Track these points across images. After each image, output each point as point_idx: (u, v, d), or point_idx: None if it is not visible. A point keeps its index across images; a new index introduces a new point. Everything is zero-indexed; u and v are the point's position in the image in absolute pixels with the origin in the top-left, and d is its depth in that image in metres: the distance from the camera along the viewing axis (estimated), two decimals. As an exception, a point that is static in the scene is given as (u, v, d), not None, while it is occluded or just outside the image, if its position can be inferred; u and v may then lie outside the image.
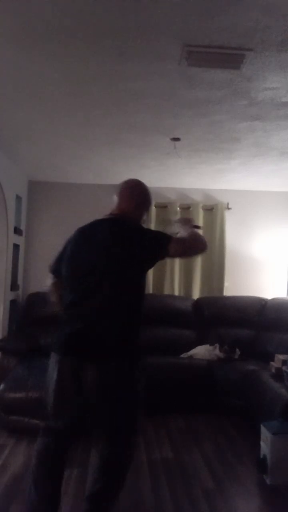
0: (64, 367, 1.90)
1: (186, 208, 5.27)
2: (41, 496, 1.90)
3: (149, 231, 2.17)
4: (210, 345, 4.33)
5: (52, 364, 1.94)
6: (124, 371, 1.91)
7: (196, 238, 2.09)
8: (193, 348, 4.40)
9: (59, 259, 2.12)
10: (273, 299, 4.87)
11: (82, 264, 1.98)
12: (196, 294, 5.16)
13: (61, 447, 1.97)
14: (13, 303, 4.72)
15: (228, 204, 5.30)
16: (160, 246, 1.96)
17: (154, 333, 4.56)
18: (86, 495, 2.00)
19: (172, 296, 5.09)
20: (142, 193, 2.16)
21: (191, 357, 4.29)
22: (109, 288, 1.91)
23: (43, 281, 2.27)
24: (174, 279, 5.19)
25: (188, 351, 4.37)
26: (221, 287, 5.22)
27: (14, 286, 4.69)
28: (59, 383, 1.90)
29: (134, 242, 1.96)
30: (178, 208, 5.23)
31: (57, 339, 1.96)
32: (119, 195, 2.12)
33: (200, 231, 2.25)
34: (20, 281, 4.99)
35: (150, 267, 2.09)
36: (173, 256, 2.18)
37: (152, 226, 5.16)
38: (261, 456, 2.84)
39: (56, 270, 2.13)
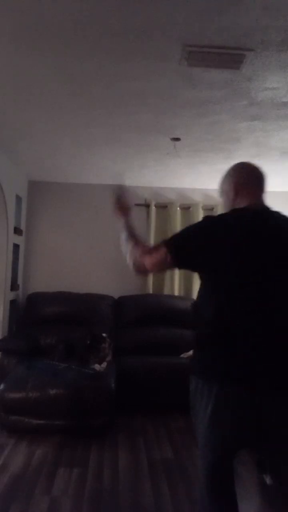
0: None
1: (186, 208, 5.27)
2: None
3: None
4: (210, 345, 4.33)
5: None
6: None
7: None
8: (193, 348, 4.39)
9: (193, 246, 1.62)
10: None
11: (251, 267, 1.54)
12: (196, 294, 5.14)
13: None
14: (13, 303, 4.72)
15: (228, 204, 5.29)
16: None
17: (154, 333, 4.57)
18: None
19: (172, 296, 5.09)
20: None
21: (191, 357, 4.28)
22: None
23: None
24: (174, 279, 5.19)
25: (188, 351, 4.36)
26: (221, 287, 5.19)
27: (14, 286, 4.69)
28: None
29: None
30: (178, 208, 5.24)
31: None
32: (251, 181, 1.73)
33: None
34: (20, 281, 4.99)
35: None
36: None
37: (153, 227, 5.20)
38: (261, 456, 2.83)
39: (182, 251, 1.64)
